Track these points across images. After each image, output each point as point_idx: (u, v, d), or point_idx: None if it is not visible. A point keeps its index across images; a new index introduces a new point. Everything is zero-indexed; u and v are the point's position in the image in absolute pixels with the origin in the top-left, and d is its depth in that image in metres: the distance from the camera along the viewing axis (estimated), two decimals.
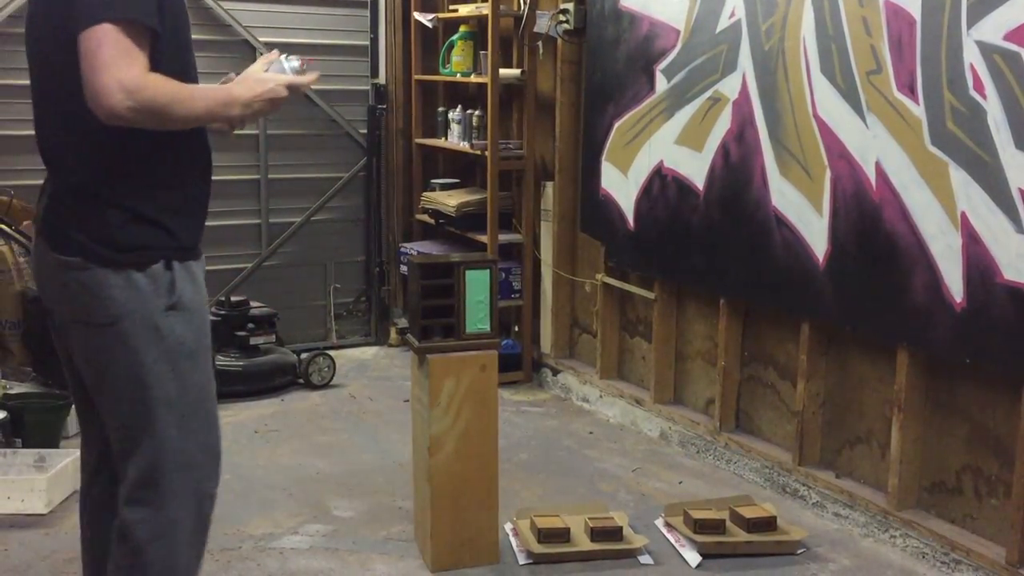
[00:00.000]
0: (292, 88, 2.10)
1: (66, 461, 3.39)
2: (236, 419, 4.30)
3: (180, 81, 1.94)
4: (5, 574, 2.93)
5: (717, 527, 3.12)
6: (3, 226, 4.25)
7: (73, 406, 3.85)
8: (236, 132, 2.21)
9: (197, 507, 2.12)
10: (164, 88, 1.88)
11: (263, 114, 2.12)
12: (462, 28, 4.91)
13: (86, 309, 1.99)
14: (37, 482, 3.27)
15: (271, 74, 2.11)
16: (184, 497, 2.08)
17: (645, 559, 3.07)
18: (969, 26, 2.79)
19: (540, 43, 4.59)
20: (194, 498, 2.11)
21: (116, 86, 1.80)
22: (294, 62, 2.15)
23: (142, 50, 1.85)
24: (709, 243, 3.76)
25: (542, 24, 4.54)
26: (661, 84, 3.93)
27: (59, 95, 1.97)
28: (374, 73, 5.38)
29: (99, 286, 1.96)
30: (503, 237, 4.78)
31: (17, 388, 3.92)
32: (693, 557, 3.06)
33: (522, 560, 3.05)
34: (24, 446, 3.59)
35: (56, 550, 3.05)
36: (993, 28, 2.73)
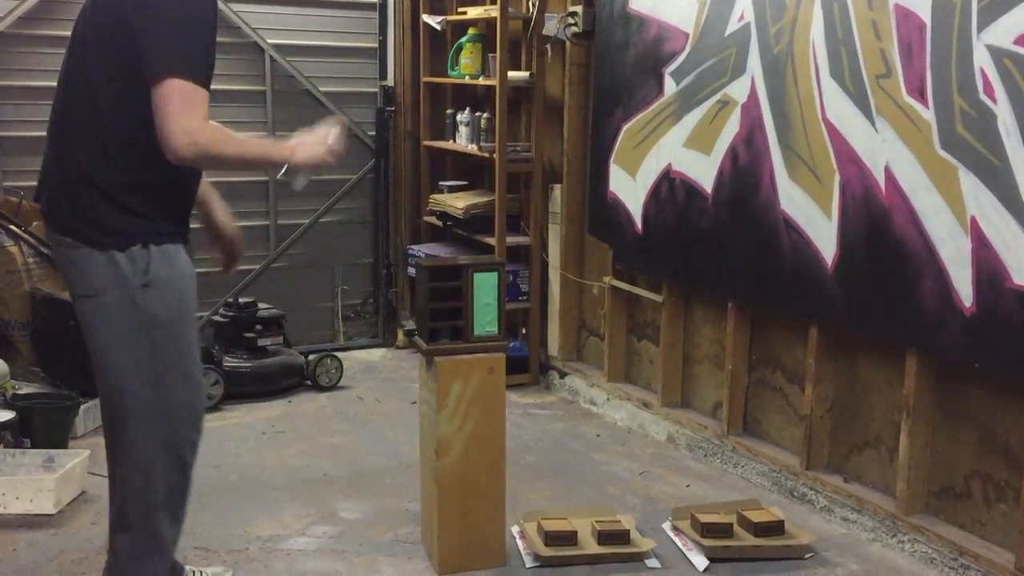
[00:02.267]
0: (334, 138, 2.46)
1: (74, 461, 3.40)
2: (244, 420, 4.30)
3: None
4: (14, 574, 2.93)
5: (724, 531, 3.12)
6: (12, 227, 4.27)
7: (81, 407, 3.92)
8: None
9: (170, 450, 2.42)
10: (218, 136, 2.24)
11: (319, 168, 2.51)
12: (471, 30, 4.91)
13: (75, 283, 2.36)
14: (46, 482, 3.27)
15: (322, 133, 2.47)
16: (150, 443, 2.39)
17: (652, 562, 3.06)
18: (979, 30, 2.78)
19: (549, 46, 4.59)
20: (164, 443, 2.40)
21: (181, 134, 2.16)
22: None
23: (202, 100, 2.20)
24: (717, 246, 3.75)
25: (551, 27, 4.54)
26: (670, 87, 3.93)
27: (96, 105, 2.28)
28: (382, 75, 5.38)
29: (85, 263, 2.31)
30: (511, 239, 4.78)
31: (26, 388, 3.93)
32: (700, 561, 3.06)
33: (529, 563, 3.04)
34: (33, 446, 3.60)
35: (64, 550, 3.06)
36: (1003, 32, 2.72)
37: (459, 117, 5.05)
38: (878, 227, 3.12)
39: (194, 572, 2.86)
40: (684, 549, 3.14)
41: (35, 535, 3.16)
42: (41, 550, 3.07)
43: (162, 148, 2.18)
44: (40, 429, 3.66)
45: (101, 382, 2.42)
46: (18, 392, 3.84)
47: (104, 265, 2.29)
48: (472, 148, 4.92)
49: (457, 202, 4.95)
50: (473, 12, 4.87)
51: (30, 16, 4.47)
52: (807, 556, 3.11)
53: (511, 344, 4.72)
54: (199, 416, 2.49)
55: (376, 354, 5.38)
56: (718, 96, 3.70)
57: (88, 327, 2.37)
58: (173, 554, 2.56)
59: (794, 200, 3.41)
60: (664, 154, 3.98)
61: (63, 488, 3.31)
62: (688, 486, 3.69)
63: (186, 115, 2.15)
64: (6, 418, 3.58)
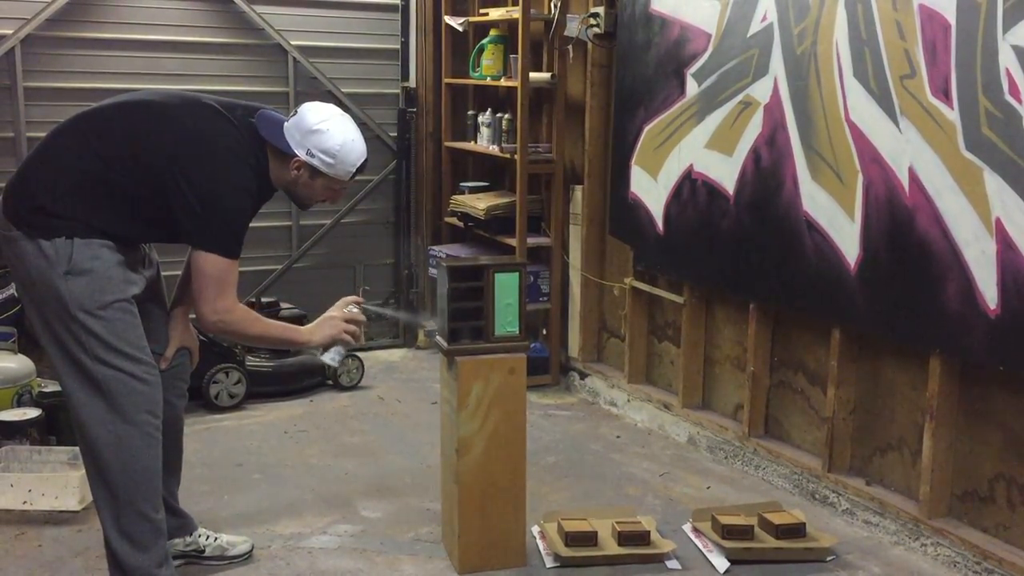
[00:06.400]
0: (349, 323, 2.87)
1: None
2: (266, 419, 4.33)
3: None
4: (39, 570, 2.97)
5: (745, 533, 3.11)
6: None
7: None
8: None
9: (118, 431, 2.53)
10: (243, 318, 2.66)
11: (337, 342, 2.90)
12: (492, 32, 4.93)
13: (17, 276, 2.59)
14: (71, 479, 3.31)
15: (338, 316, 2.87)
16: (94, 424, 2.53)
17: (672, 564, 3.06)
18: (1005, 30, 2.76)
19: (570, 47, 4.60)
20: (108, 423, 2.52)
21: (212, 313, 2.59)
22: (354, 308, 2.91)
23: (233, 277, 2.59)
24: (739, 248, 3.74)
25: (572, 28, 4.54)
26: (692, 88, 3.92)
27: (110, 162, 2.53)
28: (404, 76, 5.40)
29: (21, 253, 2.50)
30: (532, 240, 4.78)
31: (52, 386, 3.97)
32: (721, 563, 3.05)
33: (549, 563, 3.05)
34: (58, 443, 3.64)
35: (89, 547, 3.09)
36: None
37: (480, 118, 5.06)
38: (902, 228, 3.10)
39: (208, 536, 2.96)
40: (705, 551, 3.13)
41: (60, 531, 3.19)
42: (66, 546, 3.10)
43: (195, 314, 2.62)
44: (66, 426, 3.69)
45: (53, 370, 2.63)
46: (44, 390, 3.88)
47: (34, 255, 2.47)
48: (493, 149, 4.93)
49: (478, 203, 4.96)
50: (495, 13, 4.89)
51: (57, 19, 4.52)
52: (829, 559, 3.10)
53: (532, 345, 4.72)
54: (150, 395, 2.56)
55: (397, 354, 5.40)
56: (740, 97, 3.69)
57: (30, 318, 2.59)
58: (162, 532, 2.66)
59: (817, 201, 3.39)
60: (686, 155, 3.97)
61: (88, 485, 3.34)
62: (709, 488, 3.68)
63: (218, 297, 2.57)
64: (32, 415, 3.62)
